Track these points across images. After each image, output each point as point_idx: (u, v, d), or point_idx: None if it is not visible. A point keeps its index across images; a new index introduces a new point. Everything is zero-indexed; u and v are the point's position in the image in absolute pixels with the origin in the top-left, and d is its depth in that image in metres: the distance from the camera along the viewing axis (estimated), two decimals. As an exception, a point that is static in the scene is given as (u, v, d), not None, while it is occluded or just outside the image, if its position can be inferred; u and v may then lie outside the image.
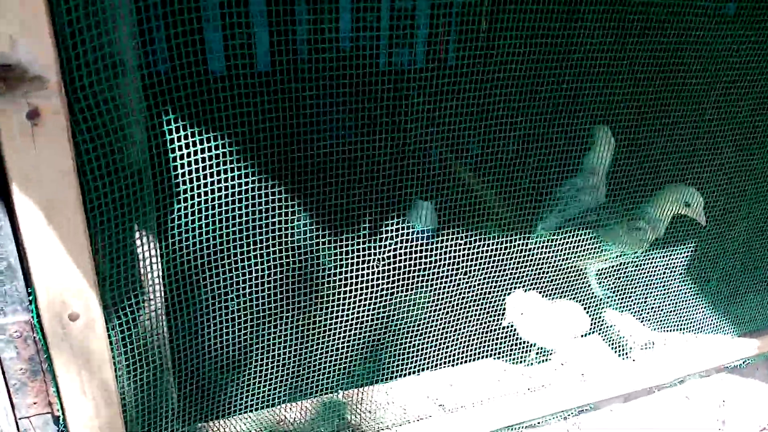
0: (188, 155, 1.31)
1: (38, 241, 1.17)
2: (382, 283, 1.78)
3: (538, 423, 2.16)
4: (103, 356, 1.34)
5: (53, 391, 1.34)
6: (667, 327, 2.34)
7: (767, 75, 2.13)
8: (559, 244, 2.08)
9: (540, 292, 2.10)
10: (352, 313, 1.79)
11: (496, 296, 2.03)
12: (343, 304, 1.77)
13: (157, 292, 1.44)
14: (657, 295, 2.30)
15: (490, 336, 2.07)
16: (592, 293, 2.25)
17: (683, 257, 2.31)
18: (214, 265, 1.49)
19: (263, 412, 1.82)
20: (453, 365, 2.07)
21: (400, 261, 1.80)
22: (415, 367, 1.99)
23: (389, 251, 1.76)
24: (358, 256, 1.71)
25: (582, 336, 2.14)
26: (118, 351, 1.41)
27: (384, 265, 1.77)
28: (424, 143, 1.88)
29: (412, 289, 1.87)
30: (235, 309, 1.58)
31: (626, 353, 2.25)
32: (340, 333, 1.80)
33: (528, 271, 2.03)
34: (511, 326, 2.04)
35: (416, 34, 1.73)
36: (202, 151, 1.32)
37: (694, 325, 2.39)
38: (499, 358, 2.13)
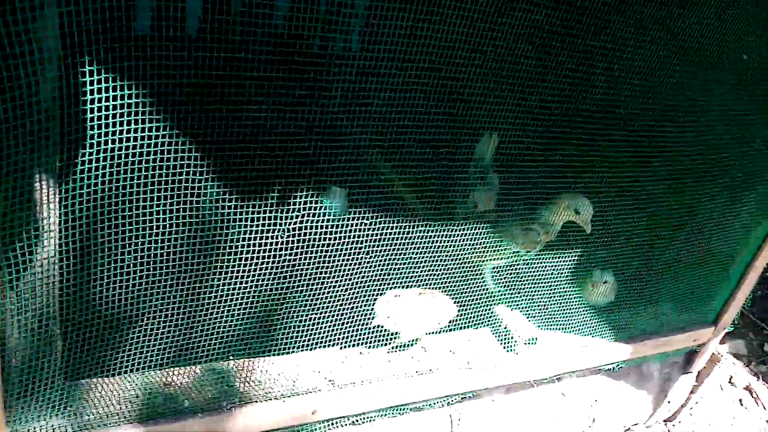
0: (99, 100, 1.30)
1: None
2: (284, 255, 1.81)
3: (423, 406, 2.25)
4: (-13, 296, 1.31)
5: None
6: (551, 326, 2.49)
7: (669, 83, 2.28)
8: (458, 237, 2.16)
9: (436, 284, 2.18)
10: (250, 282, 1.80)
11: (391, 283, 2.09)
12: (242, 272, 1.78)
13: (52, 237, 1.42)
14: (544, 294, 2.44)
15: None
16: (486, 287, 2.36)
17: (571, 262, 2.46)
18: (114, 216, 1.48)
19: (151, 373, 1.81)
20: (346, 345, 2.11)
21: (303, 236, 1.84)
22: (308, 342, 2.02)
23: (294, 224, 1.79)
24: (262, 226, 1.73)
25: (447, 323, 2.24)
26: (3, 294, 1.38)
27: (286, 238, 1.80)
28: (345, 128, 1.92)
29: (313, 265, 1.91)
30: (131, 263, 1.57)
31: (511, 347, 2.38)
32: (235, 301, 1.81)
33: (426, 260, 2.10)
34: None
35: (353, 22, 1.76)
36: (114, 98, 1.32)
37: (574, 327, 2.55)
38: (386, 342, 2.20)
